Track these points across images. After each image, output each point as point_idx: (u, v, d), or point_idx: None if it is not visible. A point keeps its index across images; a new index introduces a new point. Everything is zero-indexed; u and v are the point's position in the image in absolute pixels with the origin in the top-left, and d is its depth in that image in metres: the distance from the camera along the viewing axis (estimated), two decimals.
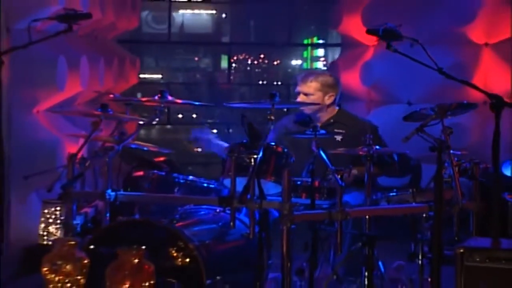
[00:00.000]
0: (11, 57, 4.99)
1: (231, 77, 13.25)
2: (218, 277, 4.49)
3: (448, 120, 4.49)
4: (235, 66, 13.41)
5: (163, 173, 5.16)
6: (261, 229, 4.38)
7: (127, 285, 3.98)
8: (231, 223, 4.49)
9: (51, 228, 5.81)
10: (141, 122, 5.21)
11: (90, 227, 4.98)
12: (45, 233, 5.83)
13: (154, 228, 4.57)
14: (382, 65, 8.41)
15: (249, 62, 14.49)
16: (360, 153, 4.91)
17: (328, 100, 5.74)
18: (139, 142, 5.21)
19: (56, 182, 4.75)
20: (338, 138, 5.44)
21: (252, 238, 4.40)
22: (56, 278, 4.03)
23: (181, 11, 13.01)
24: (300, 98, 5.71)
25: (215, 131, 11.23)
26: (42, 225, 5.84)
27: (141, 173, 5.15)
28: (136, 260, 4.02)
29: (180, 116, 12.22)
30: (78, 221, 4.76)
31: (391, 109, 8.32)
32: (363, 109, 8.47)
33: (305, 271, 5.09)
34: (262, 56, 14.52)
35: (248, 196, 4.22)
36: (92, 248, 4.47)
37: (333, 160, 4.65)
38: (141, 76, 10.87)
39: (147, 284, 4.03)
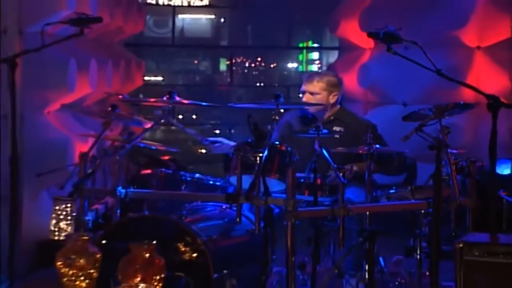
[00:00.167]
0: (24, 59, 4.98)
1: (229, 79, 13.29)
2: (225, 271, 4.49)
3: (443, 120, 4.50)
4: (233, 69, 13.44)
5: (171, 171, 5.16)
6: (266, 225, 4.39)
7: (138, 278, 4.01)
8: (237, 219, 4.50)
9: (62, 224, 5.83)
10: (149, 123, 5.22)
11: (101, 223, 4.99)
12: (56, 229, 5.85)
13: (163, 223, 4.57)
14: (378, 67, 8.44)
15: (247, 65, 14.53)
16: (360, 151, 4.93)
17: (332, 99, 5.78)
18: (147, 141, 5.21)
19: (68, 180, 4.76)
20: (337, 135, 5.45)
21: (257, 234, 4.41)
22: (70, 272, 4.06)
23: (181, 16, 13.03)
24: (306, 97, 5.75)
25: (217, 131, 11.27)
26: (53, 221, 5.86)
27: (149, 171, 5.15)
28: (147, 255, 4.05)
29: (180, 117, 12.22)
30: (89, 217, 4.77)
31: (387, 110, 8.36)
32: (360, 110, 8.49)
33: (307, 265, 5.11)
34: (259, 59, 14.56)
35: (254, 193, 4.23)
36: (104, 243, 4.46)
37: (333, 157, 4.68)
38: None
39: (157, 277, 4.05)
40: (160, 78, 14.00)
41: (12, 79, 4.17)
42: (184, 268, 4.42)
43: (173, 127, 11.53)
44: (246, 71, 14.72)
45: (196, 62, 15.38)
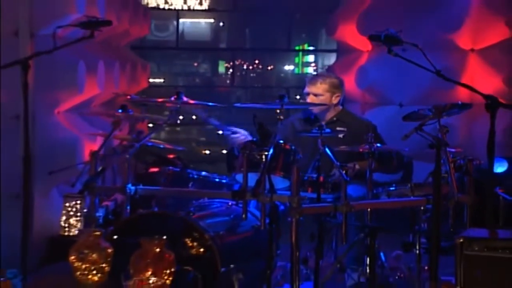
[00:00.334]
0: (36, 61, 4.98)
1: (229, 81, 13.29)
2: (231, 265, 4.50)
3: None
4: (231, 71, 13.45)
5: (178, 169, 5.17)
6: (271, 221, 4.41)
7: (149, 272, 4.02)
8: (243, 215, 4.52)
9: (72, 220, 5.83)
10: (158, 123, 5.23)
11: (111, 219, 5.01)
12: (66, 225, 5.85)
13: (171, 220, 4.58)
14: (376, 69, 8.44)
15: (245, 67, 14.52)
16: (361, 150, 4.95)
17: (335, 100, 5.81)
18: (155, 140, 5.22)
19: (78, 178, 4.77)
20: (340, 135, 5.47)
21: (263, 229, 4.43)
22: (83, 266, 4.07)
23: (181, 20, 13.02)
24: (310, 99, 5.77)
25: (220, 132, 11.26)
26: (64, 218, 5.87)
27: (157, 169, 5.16)
28: (158, 249, 4.06)
29: (180, 117, 12.19)
30: (100, 213, 4.79)
31: (384, 110, 8.37)
32: (358, 110, 8.49)
33: (310, 260, 5.13)
34: (257, 61, 14.55)
35: (260, 190, 4.25)
36: (115, 238, 4.47)
37: (336, 156, 4.70)
38: None
39: (167, 271, 4.06)
40: (161, 80, 13.98)
41: (24, 80, 4.16)
42: (192, 262, 4.42)
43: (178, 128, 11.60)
44: (244, 73, 14.70)
45: (196, 64, 15.37)
